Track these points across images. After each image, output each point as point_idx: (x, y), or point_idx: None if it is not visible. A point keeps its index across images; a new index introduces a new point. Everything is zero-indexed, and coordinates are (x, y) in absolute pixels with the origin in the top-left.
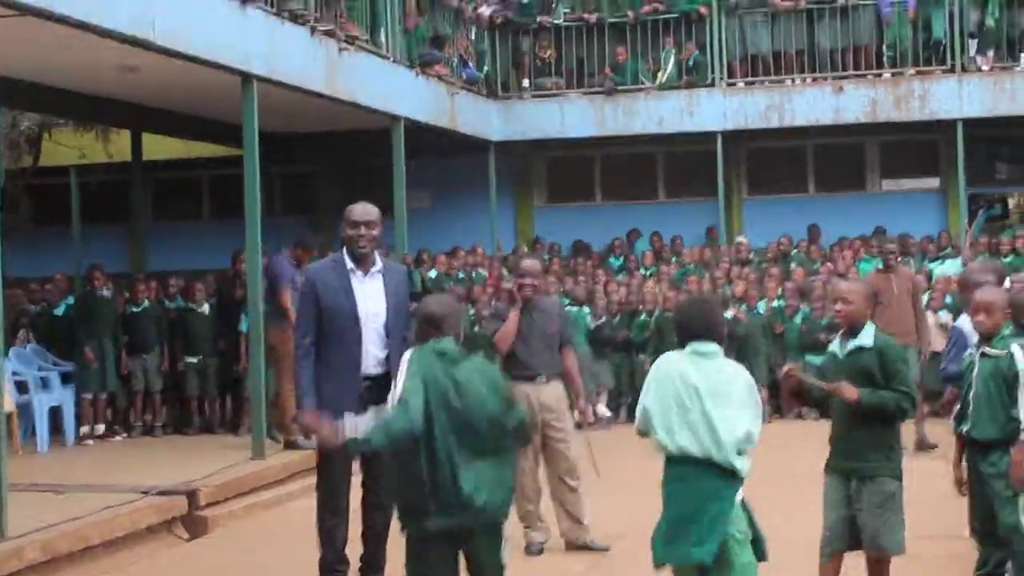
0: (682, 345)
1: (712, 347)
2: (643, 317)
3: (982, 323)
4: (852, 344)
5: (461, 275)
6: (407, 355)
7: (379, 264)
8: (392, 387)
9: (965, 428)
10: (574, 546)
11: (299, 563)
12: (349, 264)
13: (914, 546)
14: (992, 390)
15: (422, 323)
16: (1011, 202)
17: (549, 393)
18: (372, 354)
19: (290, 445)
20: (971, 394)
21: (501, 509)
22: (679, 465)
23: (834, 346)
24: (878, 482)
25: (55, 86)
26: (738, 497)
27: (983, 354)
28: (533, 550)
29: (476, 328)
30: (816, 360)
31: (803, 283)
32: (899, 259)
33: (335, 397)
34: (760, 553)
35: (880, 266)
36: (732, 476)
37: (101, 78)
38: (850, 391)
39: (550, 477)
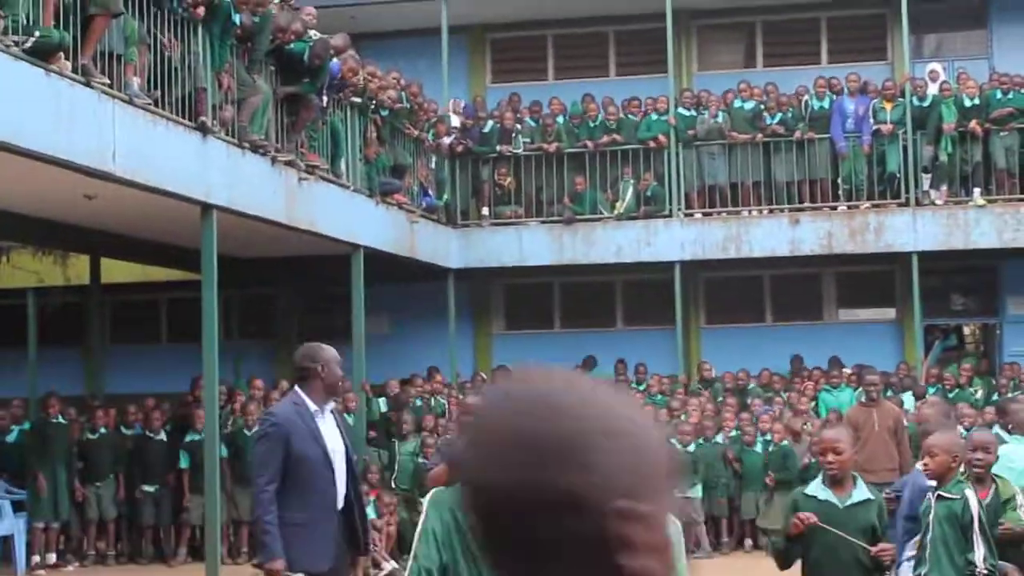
0: None
1: None
2: None
3: (927, 466)
4: (856, 496)
5: (419, 402)
6: (428, 498)
7: (330, 403)
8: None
9: (923, 571)
10: None
11: None
12: (311, 406)
13: None
14: (947, 533)
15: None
16: (966, 332)
17: None
18: (340, 491)
19: None
20: (928, 537)
21: None
22: None
23: (822, 494)
24: None
25: (14, 211)
26: None
27: (939, 496)
28: None
29: (422, 460)
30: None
31: (790, 422)
32: (881, 392)
33: (312, 538)
34: None
35: (862, 399)
36: None
37: (61, 205)
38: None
39: None
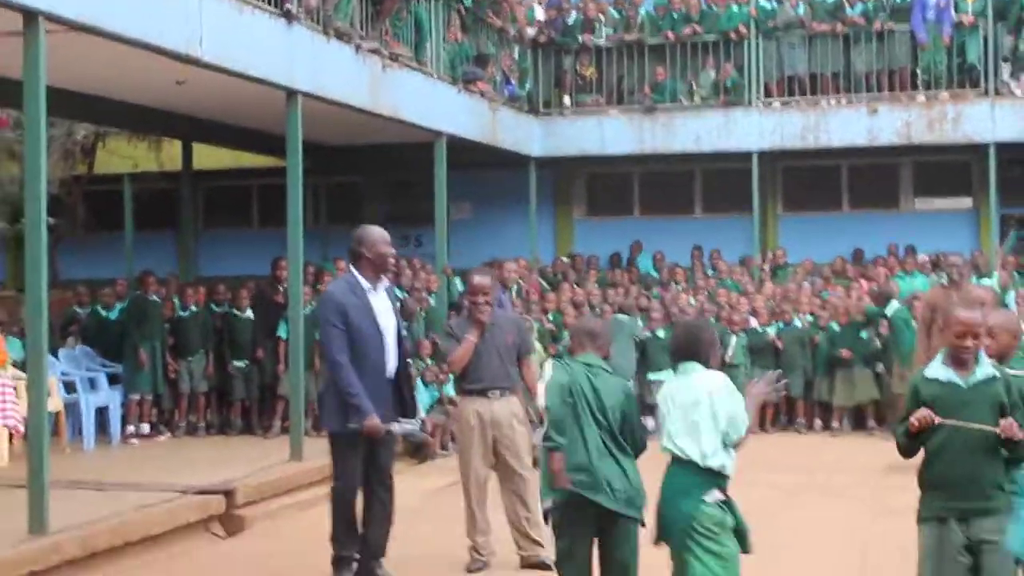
0: (673, 366)
1: (692, 366)
2: None
3: (988, 347)
4: (980, 374)
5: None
6: (549, 364)
7: (384, 280)
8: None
9: None
10: (529, 564)
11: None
12: (364, 284)
13: None
14: None
15: (582, 335)
16: None
17: (501, 408)
18: (391, 360)
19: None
20: None
21: (634, 502)
22: (670, 463)
23: (944, 374)
24: (999, 519)
25: (109, 97)
26: (711, 496)
27: None
28: (474, 568)
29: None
30: None
31: (881, 288)
32: (962, 275)
33: (371, 401)
34: (743, 545)
35: (943, 282)
36: (707, 475)
37: (153, 91)
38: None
39: (503, 494)
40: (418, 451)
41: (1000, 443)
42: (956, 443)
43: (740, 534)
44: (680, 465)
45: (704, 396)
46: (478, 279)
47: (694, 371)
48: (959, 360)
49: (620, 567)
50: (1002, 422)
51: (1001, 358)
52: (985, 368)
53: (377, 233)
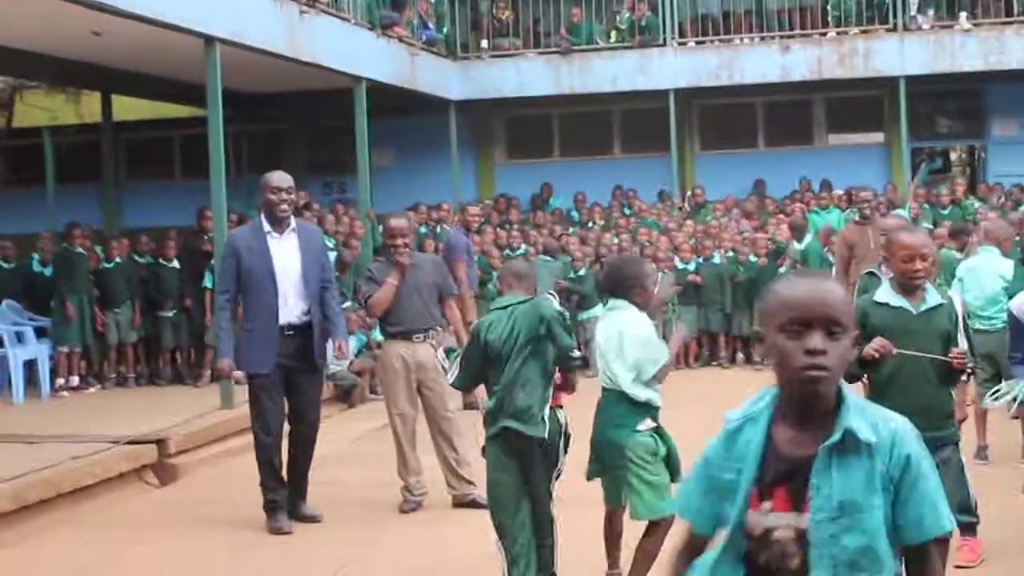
0: (603, 301)
1: (616, 303)
2: None
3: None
4: (929, 301)
5: (423, 229)
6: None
7: (293, 225)
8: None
9: None
10: (460, 502)
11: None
12: (266, 227)
13: None
14: None
15: (509, 276)
16: (952, 155)
17: (425, 352)
18: (291, 305)
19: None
20: None
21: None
22: (602, 394)
23: (894, 300)
24: (952, 449)
25: (25, 49)
26: (642, 424)
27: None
28: (406, 508)
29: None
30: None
31: (794, 220)
32: (875, 209)
33: (258, 343)
34: (673, 474)
35: (856, 217)
36: (638, 404)
37: (70, 41)
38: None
39: (432, 435)
40: (347, 395)
41: (947, 374)
42: (908, 372)
43: (671, 462)
44: (611, 395)
45: (615, 333)
46: (395, 222)
47: (617, 307)
48: (909, 287)
49: (536, 488)
50: (954, 351)
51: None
52: (933, 295)
53: (269, 179)
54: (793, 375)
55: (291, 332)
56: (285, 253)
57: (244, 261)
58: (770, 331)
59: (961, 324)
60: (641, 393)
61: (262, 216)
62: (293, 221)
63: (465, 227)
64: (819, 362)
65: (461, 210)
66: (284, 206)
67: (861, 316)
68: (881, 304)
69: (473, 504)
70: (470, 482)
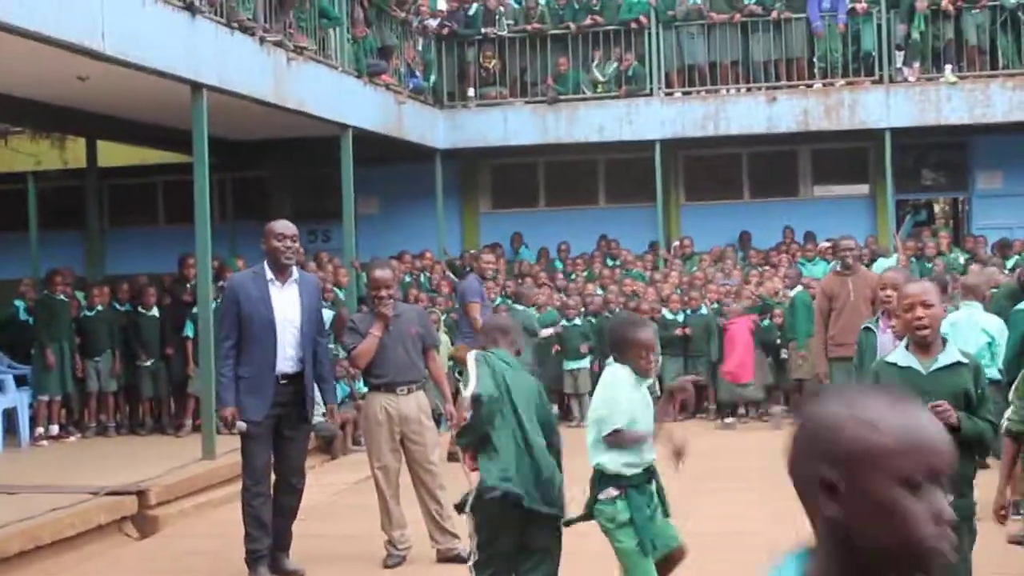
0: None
1: (609, 361)
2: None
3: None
4: (943, 360)
5: (408, 278)
6: (472, 355)
7: (295, 275)
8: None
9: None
10: (445, 557)
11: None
12: (269, 275)
13: None
14: None
15: (495, 332)
16: (936, 207)
17: (408, 404)
18: (288, 355)
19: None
20: None
21: (554, 501)
22: None
23: (904, 360)
24: (972, 524)
25: (10, 94)
26: (605, 494)
27: None
28: (390, 563)
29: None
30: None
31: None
32: (858, 259)
33: (253, 390)
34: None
35: (838, 267)
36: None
37: (55, 87)
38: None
39: (415, 488)
40: (329, 446)
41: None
42: None
43: (661, 501)
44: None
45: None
46: (379, 272)
47: (608, 366)
48: (921, 343)
49: (541, 553)
50: (932, 403)
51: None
52: (950, 353)
53: (274, 226)
54: (915, 547)
55: (284, 381)
56: (286, 303)
57: (244, 308)
58: (874, 478)
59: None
60: (596, 455)
61: (264, 264)
62: (295, 271)
63: (480, 275)
64: (950, 533)
65: (475, 259)
66: (289, 254)
67: (872, 380)
68: (891, 364)
69: (457, 559)
70: (454, 535)
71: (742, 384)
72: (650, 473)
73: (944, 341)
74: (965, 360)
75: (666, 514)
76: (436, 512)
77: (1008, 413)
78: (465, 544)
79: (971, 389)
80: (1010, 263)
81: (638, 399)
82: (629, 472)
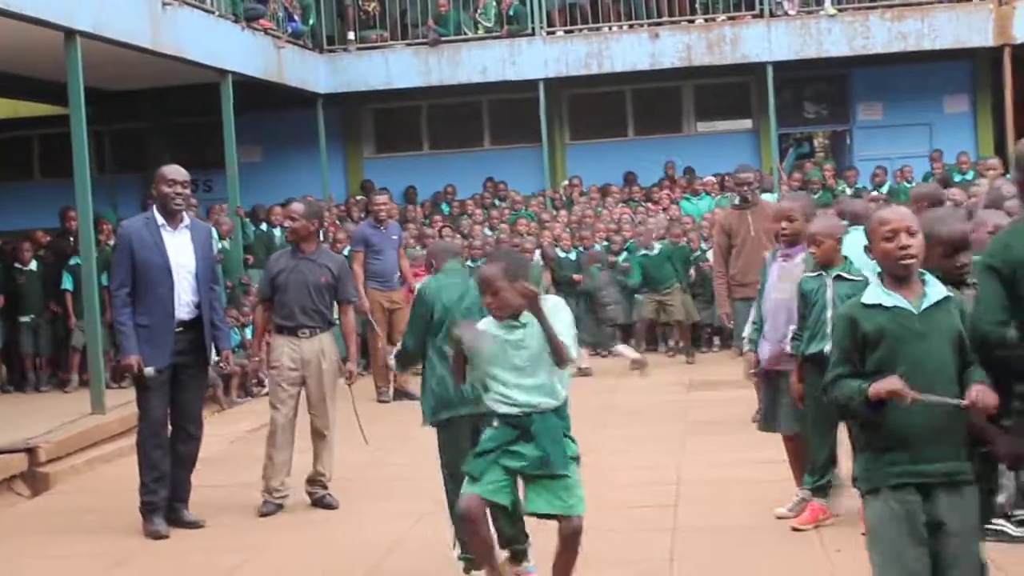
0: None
1: None
2: None
3: (814, 254)
4: (932, 295)
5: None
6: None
7: (187, 220)
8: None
9: (818, 348)
10: (317, 503)
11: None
12: (160, 220)
13: None
14: None
15: (440, 253)
16: (816, 141)
17: (309, 347)
18: (184, 301)
19: (402, 395)
20: (825, 315)
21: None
22: None
23: (888, 300)
24: (966, 495)
25: None
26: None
27: (838, 278)
28: (264, 510)
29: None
30: None
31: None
32: (756, 192)
33: (153, 339)
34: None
35: (736, 201)
36: None
37: None
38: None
39: (312, 433)
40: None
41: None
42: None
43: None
44: None
45: None
46: (294, 205)
47: None
48: (901, 277)
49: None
50: (971, 393)
51: (828, 263)
52: (936, 288)
53: (165, 171)
54: None
55: (181, 328)
56: (179, 249)
57: (138, 255)
58: None
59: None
60: None
61: (154, 209)
62: (186, 217)
63: (374, 217)
64: None
65: (368, 201)
66: (179, 200)
67: (848, 326)
68: (872, 306)
69: (323, 502)
70: (322, 483)
71: None
72: (528, 420)
73: (921, 275)
74: (950, 293)
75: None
76: (320, 457)
77: None
78: (333, 491)
79: (961, 328)
80: (884, 189)
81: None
82: (502, 409)
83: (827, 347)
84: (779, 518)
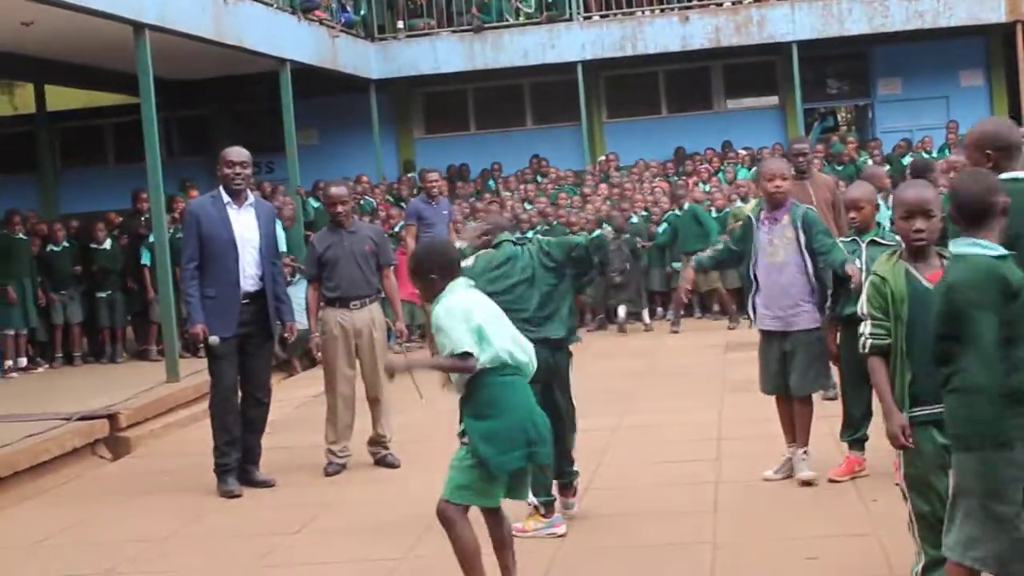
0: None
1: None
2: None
3: (854, 219)
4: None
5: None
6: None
7: (251, 199)
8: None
9: (852, 309)
10: (379, 462)
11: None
12: (226, 198)
13: None
14: None
15: (496, 228)
16: (839, 115)
17: (361, 317)
18: (249, 274)
19: None
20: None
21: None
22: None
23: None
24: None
25: None
26: None
27: (873, 242)
28: (330, 471)
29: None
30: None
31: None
32: (810, 163)
33: (219, 310)
34: None
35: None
36: None
37: (2, 33)
38: None
39: (368, 400)
40: (286, 363)
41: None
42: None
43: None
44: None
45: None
46: (334, 189)
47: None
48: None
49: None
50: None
51: (866, 228)
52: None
53: (227, 153)
54: None
55: (246, 300)
56: (244, 225)
57: (204, 229)
58: None
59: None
60: None
61: (220, 189)
62: (251, 195)
63: (427, 194)
64: None
65: (421, 178)
66: (239, 180)
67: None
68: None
69: (385, 462)
70: (383, 444)
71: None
72: None
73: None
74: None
75: None
76: (377, 421)
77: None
78: (393, 449)
79: None
80: (905, 160)
81: None
82: None
83: (859, 308)
84: (765, 480)
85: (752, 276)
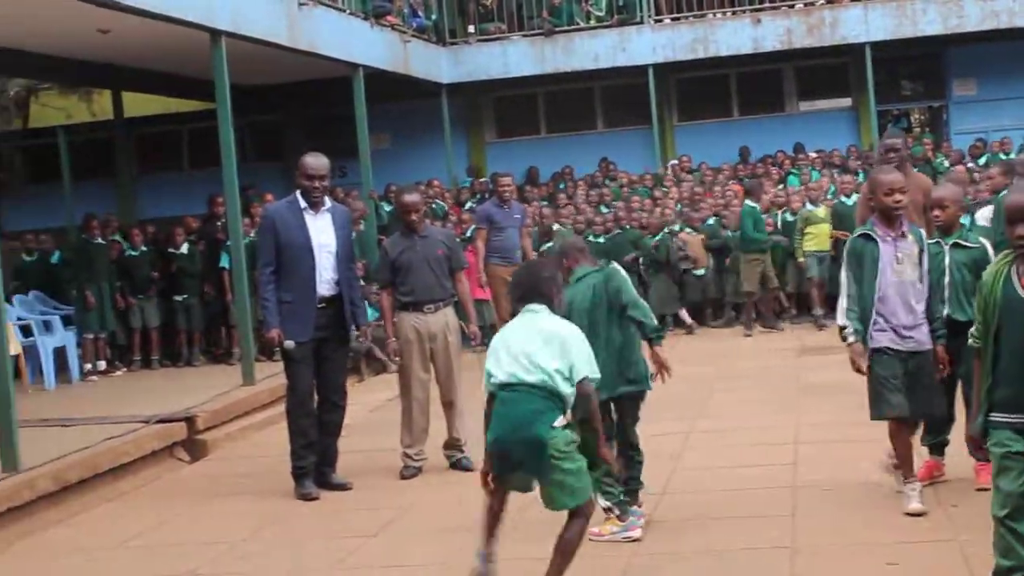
0: (516, 308)
1: (537, 307)
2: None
3: (938, 217)
4: None
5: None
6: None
7: (328, 204)
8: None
9: (945, 311)
10: (454, 465)
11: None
12: (302, 203)
13: None
14: (967, 278)
15: (575, 251)
16: (913, 117)
17: (436, 321)
18: (326, 279)
19: None
20: (943, 281)
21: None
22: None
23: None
24: None
25: (38, 51)
26: (559, 421)
27: (955, 245)
28: (406, 474)
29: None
30: None
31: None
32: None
33: (296, 314)
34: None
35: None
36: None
37: (78, 41)
38: None
39: (442, 404)
40: (365, 361)
41: None
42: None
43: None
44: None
45: (555, 334)
46: (407, 196)
47: (540, 312)
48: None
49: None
50: None
51: (948, 230)
52: None
53: (304, 164)
54: None
55: (323, 305)
56: (321, 230)
57: (281, 235)
58: None
59: None
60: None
61: (296, 194)
62: (327, 201)
63: (499, 198)
64: None
65: (493, 182)
66: (317, 193)
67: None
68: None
69: (459, 465)
70: (459, 447)
71: None
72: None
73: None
74: None
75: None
76: (452, 424)
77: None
78: (471, 455)
79: None
80: (982, 161)
81: None
82: None
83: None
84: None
85: (871, 295)
